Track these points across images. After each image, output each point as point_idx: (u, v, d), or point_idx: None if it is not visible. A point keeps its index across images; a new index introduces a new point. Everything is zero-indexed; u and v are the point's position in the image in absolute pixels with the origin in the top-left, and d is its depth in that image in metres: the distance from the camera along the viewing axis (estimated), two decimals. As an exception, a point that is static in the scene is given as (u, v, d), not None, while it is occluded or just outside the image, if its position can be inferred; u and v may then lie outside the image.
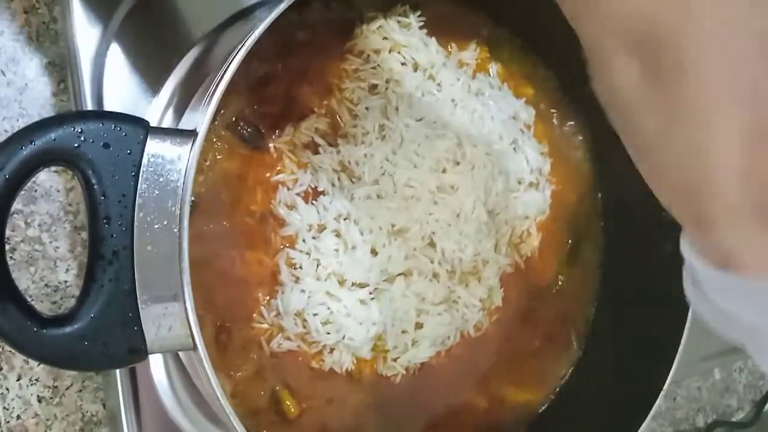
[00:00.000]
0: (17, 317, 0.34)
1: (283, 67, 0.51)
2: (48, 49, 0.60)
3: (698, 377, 0.89)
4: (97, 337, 0.36)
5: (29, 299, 0.57)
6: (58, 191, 0.60)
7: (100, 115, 0.36)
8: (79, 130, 0.35)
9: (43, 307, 0.57)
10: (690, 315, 0.53)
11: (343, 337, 0.49)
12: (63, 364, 0.37)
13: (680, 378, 0.85)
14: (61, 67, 0.60)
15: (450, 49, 0.58)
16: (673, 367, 0.53)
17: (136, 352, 0.37)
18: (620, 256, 0.62)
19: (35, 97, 0.60)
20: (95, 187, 0.36)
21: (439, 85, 0.54)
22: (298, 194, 0.50)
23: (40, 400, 0.60)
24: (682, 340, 0.53)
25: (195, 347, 0.38)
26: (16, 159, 0.34)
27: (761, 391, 0.94)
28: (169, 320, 0.37)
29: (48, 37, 0.60)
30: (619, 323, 0.60)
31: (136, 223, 0.36)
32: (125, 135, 0.36)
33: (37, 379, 0.59)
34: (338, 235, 0.49)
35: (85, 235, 0.62)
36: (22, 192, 0.57)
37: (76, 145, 0.35)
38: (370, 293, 0.50)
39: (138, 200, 0.37)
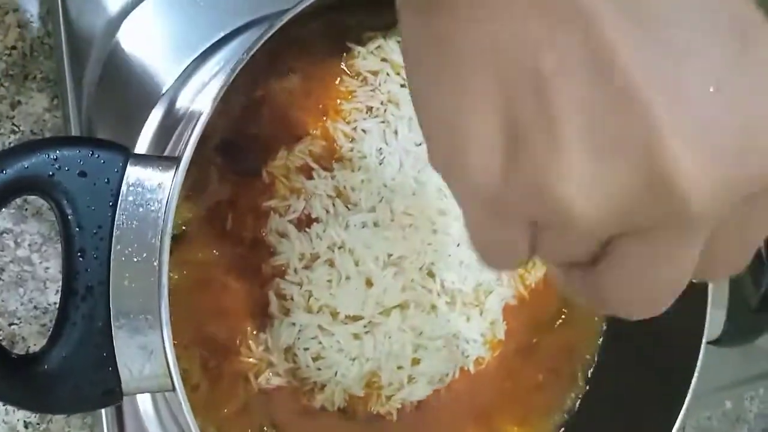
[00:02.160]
0: (-18, 357, 0.33)
1: (277, 88, 0.49)
2: (42, 64, 0.59)
3: (708, 407, 0.86)
4: (69, 378, 0.34)
5: (18, 321, 0.56)
6: (50, 210, 0.59)
7: (77, 141, 0.34)
8: (54, 158, 0.34)
9: (31, 330, 0.56)
10: (703, 347, 0.50)
11: (335, 374, 0.46)
12: (31, 407, 0.35)
13: (690, 407, 0.83)
14: (55, 83, 0.59)
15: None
16: (685, 403, 0.50)
17: (110, 394, 0.35)
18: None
19: (28, 113, 0.59)
20: (70, 217, 0.34)
21: (440, 108, 0.52)
22: (290, 221, 0.48)
23: (26, 426, 0.58)
24: (695, 376, 0.51)
25: (174, 388, 0.36)
26: (-16, 189, 0.32)
27: (774, 421, 0.92)
28: (147, 360, 0.35)
29: (42, 51, 0.59)
30: (627, 356, 0.58)
31: (112, 257, 0.35)
32: (103, 162, 0.35)
33: (23, 404, 0.58)
34: (331, 265, 0.47)
35: (76, 255, 0.60)
36: (12, 211, 0.56)
37: (50, 173, 0.34)
38: (365, 327, 0.47)
39: (116, 232, 0.35)
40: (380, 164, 0.49)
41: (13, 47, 0.59)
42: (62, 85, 0.53)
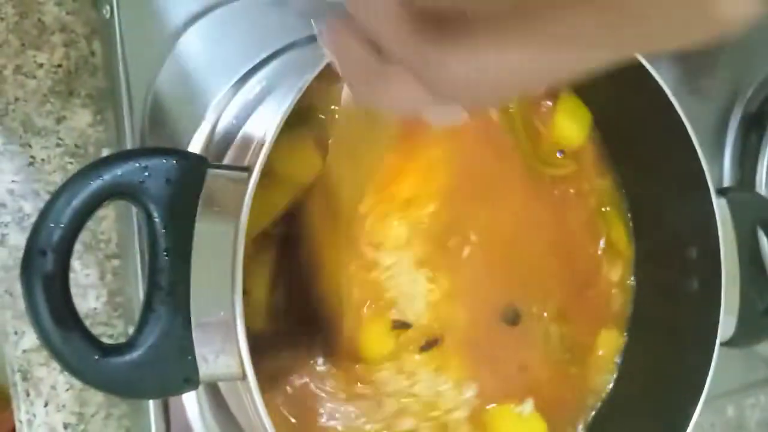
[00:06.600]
0: (80, 346, 0.36)
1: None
2: (86, 81, 0.62)
3: (711, 414, 0.89)
4: (155, 365, 0.37)
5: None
6: (91, 220, 0.61)
7: (164, 151, 0.38)
8: (144, 166, 0.37)
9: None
10: (717, 347, 0.54)
11: None
12: (121, 392, 0.38)
13: (694, 414, 0.86)
14: (99, 99, 0.62)
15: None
16: (698, 407, 0.54)
17: (189, 381, 0.38)
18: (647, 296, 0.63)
19: (72, 128, 0.62)
20: (156, 220, 0.37)
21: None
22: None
23: (66, 426, 0.60)
24: (710, 374, 0.54)
25: (244, 377, 0.39)
26: (84, 193, 0.36)
27: (773, 429, 0.95)
28: (221, 350, 0.38)
29: (86, 69, 0.62)
30: (645, 361, 0.61)
31: (193, 256, 0.38)
32: (186, 171, 0.38)
33: (63, 406, 0.60)
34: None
35: (115, 262, 0.63)
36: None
37: (140, 180, 0.37)
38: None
39: (196, 233, 0.38)
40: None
41: (59, 65, 0.62)
42: (117, 101, 0.56)
